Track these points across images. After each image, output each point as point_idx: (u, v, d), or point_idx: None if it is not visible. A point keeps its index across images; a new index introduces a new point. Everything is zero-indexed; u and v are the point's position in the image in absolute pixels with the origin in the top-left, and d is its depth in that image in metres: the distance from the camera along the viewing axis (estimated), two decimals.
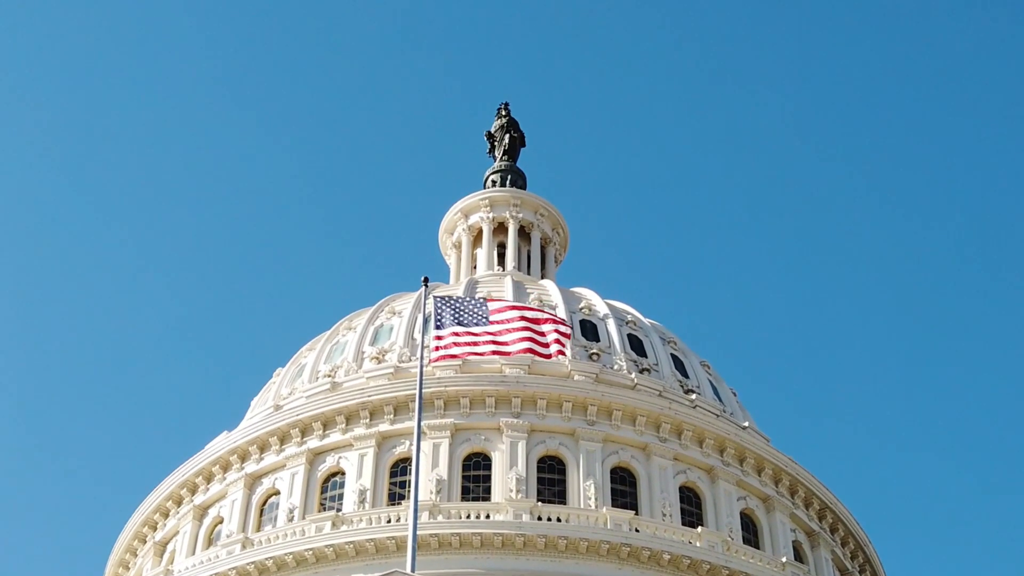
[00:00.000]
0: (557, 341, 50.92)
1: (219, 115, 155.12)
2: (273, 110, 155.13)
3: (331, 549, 58.62)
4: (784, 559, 63.51)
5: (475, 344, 49.71)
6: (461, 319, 49.76)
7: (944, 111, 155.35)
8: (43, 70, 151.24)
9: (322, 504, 64.00)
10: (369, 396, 65.45)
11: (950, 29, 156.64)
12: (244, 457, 67.25)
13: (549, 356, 51.25)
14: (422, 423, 51.57)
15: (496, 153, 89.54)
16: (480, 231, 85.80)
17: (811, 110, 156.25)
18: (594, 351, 70.22)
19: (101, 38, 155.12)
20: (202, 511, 67.86)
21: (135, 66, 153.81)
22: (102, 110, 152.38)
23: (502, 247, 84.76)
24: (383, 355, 70.47)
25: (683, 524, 63.03)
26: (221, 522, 66.58)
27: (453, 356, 50.94)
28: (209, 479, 68.15)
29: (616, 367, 69.87)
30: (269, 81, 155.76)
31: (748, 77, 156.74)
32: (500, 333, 49.93)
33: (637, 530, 60.12)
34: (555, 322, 51.44)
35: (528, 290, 74.11)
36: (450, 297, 50.78)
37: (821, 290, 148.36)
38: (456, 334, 49.33)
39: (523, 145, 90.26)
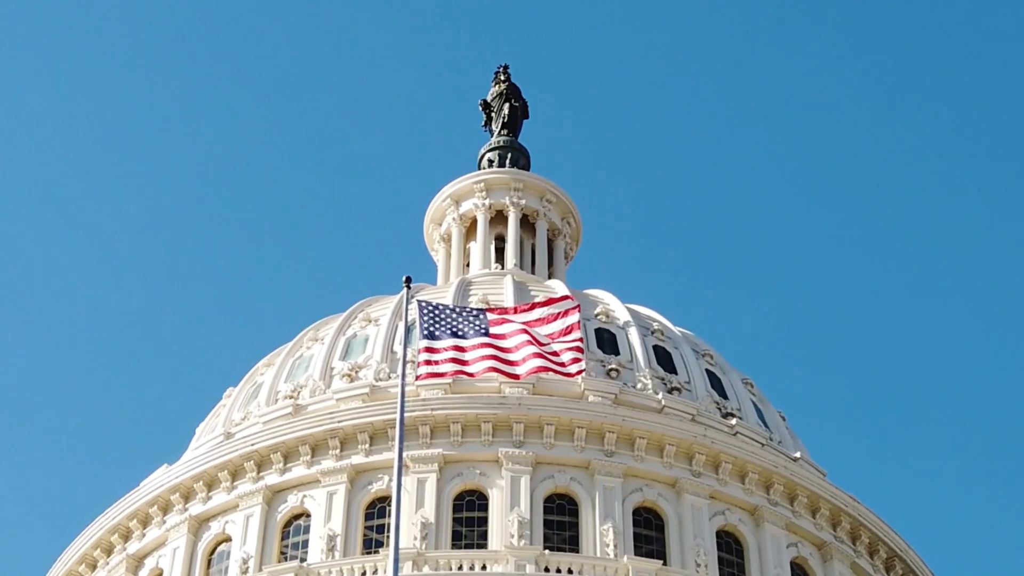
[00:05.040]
0: (575, 360, 48.52)
1: (162, 74, 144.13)
2: (221, 72, 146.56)
3: None
4: None
5: (474, 361, 47.09)
6: (454, 330, 47.40)
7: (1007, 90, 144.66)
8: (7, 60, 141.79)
9: (283, 553, 61.81)
10: (339, 421, 63.20)
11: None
12: (188, 496, 64.99)
13: (570, 375, 49.29)
14: (404, 454, 51.12)
15: (493, 126, 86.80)
16: (474, 221, 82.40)
17: (871, 64, 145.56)
18: (613, 366, 67.26)
19: (69, 23, 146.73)
20: (137, 562, 65.53)
21: (96, 47, 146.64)
22: (54, 101, 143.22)
23: (501, 240, 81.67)
24: (356, 371, 67.74)
25: None
26: (160, 575, 64.35)
27: (444, 374, 48.50)
28: (145, 523, 65.75)
29: (639, 386, 66.95)
30: (219, 41, 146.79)
31: (785, 35, 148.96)
32: (504, 348, 47.45)
33: None
34: (565, 332, 48.72)
35: (532, 292, 71.04)
36: (439, 305, 48.66)
37: (886, 295, 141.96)
38: (435, 350, 46.68)
39: (526, 117, 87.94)
